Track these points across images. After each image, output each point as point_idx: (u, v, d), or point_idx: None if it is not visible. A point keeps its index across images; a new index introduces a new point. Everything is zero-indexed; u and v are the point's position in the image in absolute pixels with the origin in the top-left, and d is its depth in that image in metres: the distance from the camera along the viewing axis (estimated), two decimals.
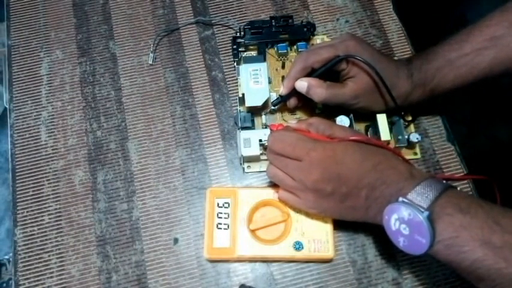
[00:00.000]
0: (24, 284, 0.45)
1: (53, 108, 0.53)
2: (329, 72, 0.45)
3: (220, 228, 0.45)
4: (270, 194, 0.46)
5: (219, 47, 0.56)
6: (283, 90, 0.48)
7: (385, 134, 0.46)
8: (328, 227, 0.44)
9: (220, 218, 0.46)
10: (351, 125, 0.46)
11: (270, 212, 0.46)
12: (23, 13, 0.57)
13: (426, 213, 0.35)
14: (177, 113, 0.52)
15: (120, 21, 0.57)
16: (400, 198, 0.36)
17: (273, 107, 0.50)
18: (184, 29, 0.56)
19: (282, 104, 0.49)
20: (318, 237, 0.44)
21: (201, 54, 0.55)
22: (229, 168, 0.50)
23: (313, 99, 0.45)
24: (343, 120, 0.46)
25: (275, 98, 0.51)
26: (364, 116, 0.49)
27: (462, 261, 0.34)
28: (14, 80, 0.54)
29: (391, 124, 0.48)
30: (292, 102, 0.49)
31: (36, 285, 0.45)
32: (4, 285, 1.00)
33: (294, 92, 0.47)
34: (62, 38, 0.56)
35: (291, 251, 0.44)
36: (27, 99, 0.53)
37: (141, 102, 0.53)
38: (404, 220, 0.36)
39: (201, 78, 0.54)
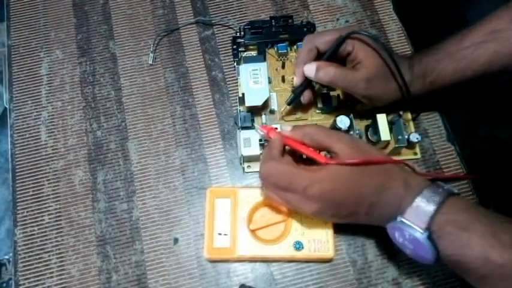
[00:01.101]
0: (24, 284, 0.45)
1: (53, 108, 0.53)
2: (336, 60, 0.45)
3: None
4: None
5: (219, 47, 0.56)
6: (296, 79, 0.47)
7: (385, 134, 0.46)
8: (328, 227, 0.44)
9: (220, 218, 0.46)
10: (351, 125, 0.46)
11: (270, 212, 0.46)
12: (23, 13, 0.57)
13: (425, 234, 0.34)
14: (177, 113, 0.52)
15: (120, 21, 0.57)
16: (399, 218, 0.36)
17: (288, 106, 0.49)
18: (184, 29, 0.56)
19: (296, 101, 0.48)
20: (318, 237, 0.44)
21: (201, 54, 0.55)
22: (229, 168, 0.50)
23: (322, 81, 0.44)
24: (343, 120, 0.46)
25: (275, 98, 0.51)
26: (364, 115, 0.49)
27: (470, 276, 0.34)
28: (14, 80, 0.54)
29: (391, 124, 0.48)
30: (306, 97, 0.48)
31: (36, 285, 0.45)
32: (4, 285, 1.00)
33: (306, 84, 0.46)
34: (62, 38, 0.56)
35: (291, 250, 0.44)
36: (27, 99, 0.53)
37: (141, 102, 0.53)
38: (406, 238, 0.36)
39: (201, 78, 0.54)
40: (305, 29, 0.53)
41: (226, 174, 0.49)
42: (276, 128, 0.44)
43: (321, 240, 0.44)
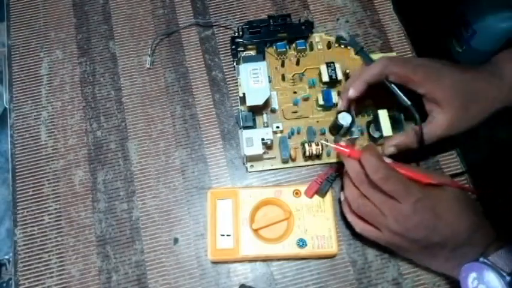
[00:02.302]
0: (24, 284, 0.45)
1: (53, 108, 0.53)
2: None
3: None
4: (271, 192, 0.46)
5: (219, 47, 0.55)
6: (351, 92, 0.45)
7: (386, 129, 0.46)
8: (331, 223, 0.45)
9: (222, 219, 0.46)
10: (352, 121, 0.46)
11: (272, 211, 0.46)
12: (23, 13, 0.57)
13: (508, 278, 0.34)
14: (177, 113, 0.52)
15: (120, 21, 0.57)
16: (481, 259, 0.36)
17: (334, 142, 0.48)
18: (184, 29, 0.56)
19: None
20: (320, 233, 0.44)
21: (201, 54, 0.55)
22: (229, 168, 0.50)
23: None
24: (344, 117, 0.46)
25: (275, 96, 0.51)
26: (365, 112, 0.49)
27: None
28: (14, 80, 0.54)
29: (392, 119, 0.48)
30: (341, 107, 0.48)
31: (36, 285, 0.45)
32: (4, 285, 1.00)
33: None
34: (62, 38, 0.56)
35: (295, 248, 0.44)
36: (27, 99, 0.53)
37: (141, 102, 0.53)
38: (483, 281, 0.35)
39: (201, 78, 0.54)
40: (303, 27, 0.54)
41: (227, 175, 0.49)
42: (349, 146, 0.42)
43: (324, 237, 0.44)
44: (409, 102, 0.43)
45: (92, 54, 0.55)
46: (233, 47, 0.54)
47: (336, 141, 0.49)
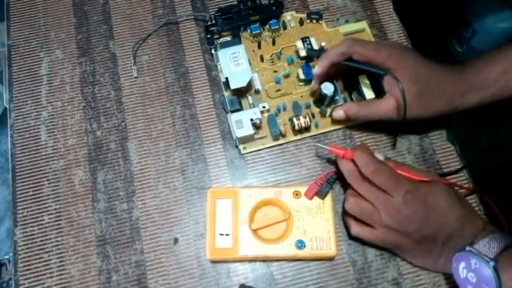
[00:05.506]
0: (24, 284, 0.45)
1: (53, 108, 0.53)
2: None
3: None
4: (271, 193, 0.46)
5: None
6: (317, 69, 0.47)
7: (368, 93, 0.48)
8: (330, 225, 0.45)
9: (222, 218, 0.46)
10: (335, 91, 0.48)
11: (271, 211, 0.46)
12: (23, 13, 0.57)
13: (492, 263, 0.35)
14: (177, 113, 0.52)
15: (120, 21, 0.57)
16: (467, 248, 0.37)
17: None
18: (184, 29, 0.57)
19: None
20: (319, 235, 0.44)
21: (201, 54, 0.55)
22: (229, 168, 0.50)
23: (353, 118, 0.47)
24: (327, 87, 0.47)
25: (257, 78, 0.51)
26: (347, 81, 0.50)
27: None
28: (14, 80, 0.54)
29: (373, 83, 0.49)
30: (314, 86, 0.49)
31: (36, 285, 0.45)
32: (4, 285, 1.00)
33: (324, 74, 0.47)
34: (62, 38, 0.56)
35: (293, 249, 0.44)
36: (27, 99, 0.53)
37: (141, 102, 0.53)
38: (471, 268, 0.37)
39: (201, 78, 0.54)
40: (274, 8, 0.54)
41: (226, 174, 0.49)
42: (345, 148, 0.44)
43: (322, 239, 0.44)
44: (384, 71, 0.43)
45: (92, 54, 0.55)
46: (208, 36, 0.54)
47: (322, 113, 0.50)
